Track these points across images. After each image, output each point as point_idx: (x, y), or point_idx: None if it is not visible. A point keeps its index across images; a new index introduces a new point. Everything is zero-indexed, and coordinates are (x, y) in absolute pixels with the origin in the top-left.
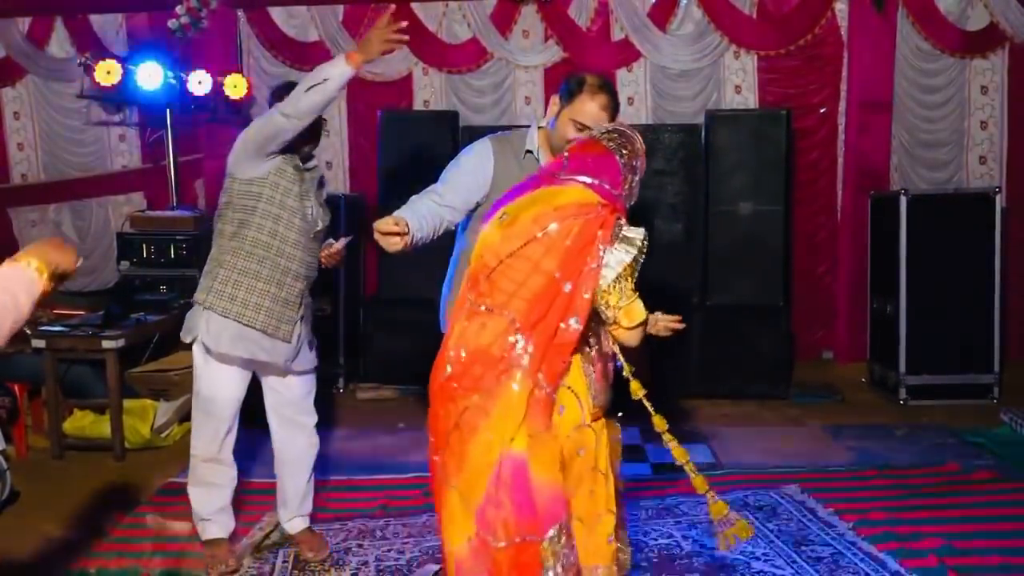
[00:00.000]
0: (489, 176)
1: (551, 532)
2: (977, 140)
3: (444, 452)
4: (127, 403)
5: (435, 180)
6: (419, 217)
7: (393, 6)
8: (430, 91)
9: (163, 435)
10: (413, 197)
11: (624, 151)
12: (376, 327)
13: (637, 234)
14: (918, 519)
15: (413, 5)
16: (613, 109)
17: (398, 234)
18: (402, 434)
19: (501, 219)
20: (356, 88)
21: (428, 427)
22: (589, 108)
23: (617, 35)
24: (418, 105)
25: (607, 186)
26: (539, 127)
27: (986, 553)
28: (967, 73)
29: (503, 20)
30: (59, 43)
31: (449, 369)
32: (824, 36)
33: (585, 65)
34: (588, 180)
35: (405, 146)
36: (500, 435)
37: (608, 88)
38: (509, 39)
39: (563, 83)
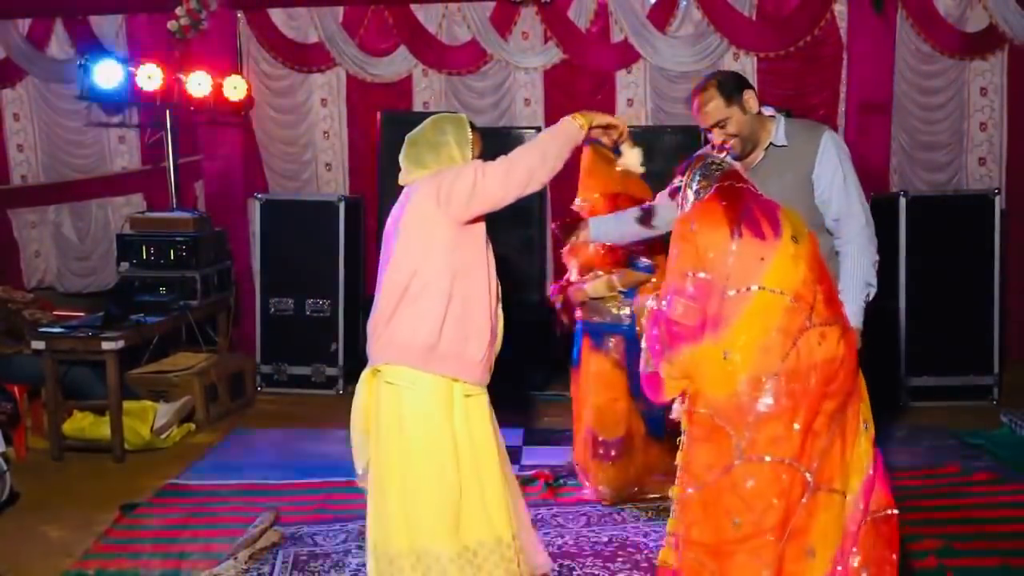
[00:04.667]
0: None
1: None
2: (976, 141)
3: (816, 459)
4: (127, 404)
5: None
6: None
7: None
8: (430, 93)
9: (163, 436)
10: None
11: None
12: None
13: None
14: (918, 520)
15: (413, 6)
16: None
17: None
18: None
19: (794, 239)
20: (356, 89)
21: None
22: None
23: (616, 37)
24: (418, 107)
25: None
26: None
27: (985, 554)
28: (966, 75)
29: (503, 22)
30: (59, 44)
31: (814, 378)
32: (823, 38)
33: (585, 67)
34: None
35: None
36: (870, 430)
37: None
38: (509, 41)
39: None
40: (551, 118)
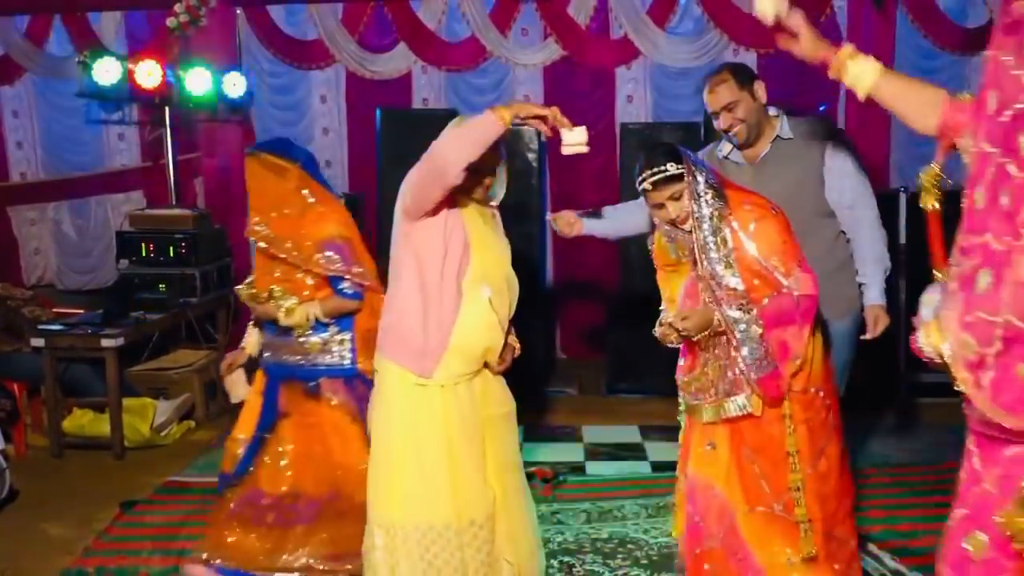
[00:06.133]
0: None
1: None
2: None
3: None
4: (126, 401)
5: None
6: None
7: None
8: (429, 89)
9: (163, 433)
10: None
11: None
12: None
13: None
14: (917, 517)
15: (412, 3)
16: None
17: None
18: None
19: None
20: (355, 86)
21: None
22: None
23: (616, 33)
24: (417, 103)
25: None
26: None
27: None
28: (967, 70)
29: (502, 18)
30: (58, 41)
31: None
32: (823, 33)
33: (585, 63)
34: None
35: (404, 144)
36: None
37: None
38: (508, 37)
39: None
40: None
